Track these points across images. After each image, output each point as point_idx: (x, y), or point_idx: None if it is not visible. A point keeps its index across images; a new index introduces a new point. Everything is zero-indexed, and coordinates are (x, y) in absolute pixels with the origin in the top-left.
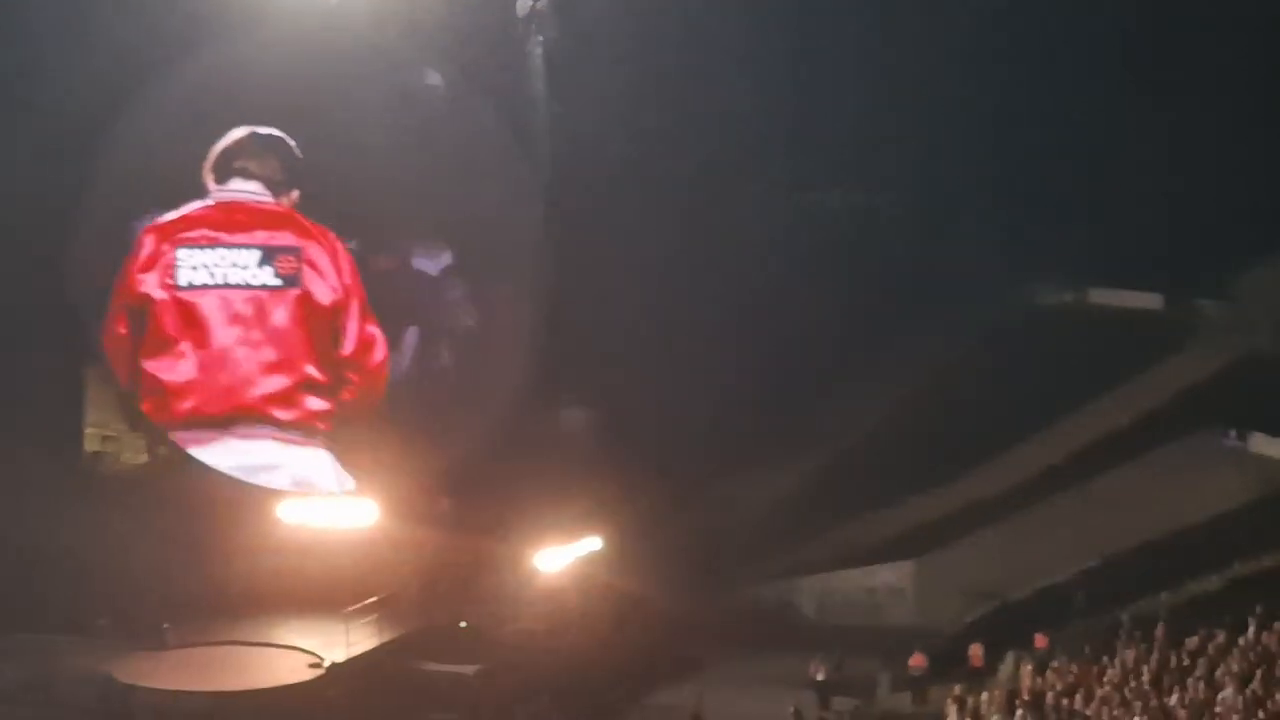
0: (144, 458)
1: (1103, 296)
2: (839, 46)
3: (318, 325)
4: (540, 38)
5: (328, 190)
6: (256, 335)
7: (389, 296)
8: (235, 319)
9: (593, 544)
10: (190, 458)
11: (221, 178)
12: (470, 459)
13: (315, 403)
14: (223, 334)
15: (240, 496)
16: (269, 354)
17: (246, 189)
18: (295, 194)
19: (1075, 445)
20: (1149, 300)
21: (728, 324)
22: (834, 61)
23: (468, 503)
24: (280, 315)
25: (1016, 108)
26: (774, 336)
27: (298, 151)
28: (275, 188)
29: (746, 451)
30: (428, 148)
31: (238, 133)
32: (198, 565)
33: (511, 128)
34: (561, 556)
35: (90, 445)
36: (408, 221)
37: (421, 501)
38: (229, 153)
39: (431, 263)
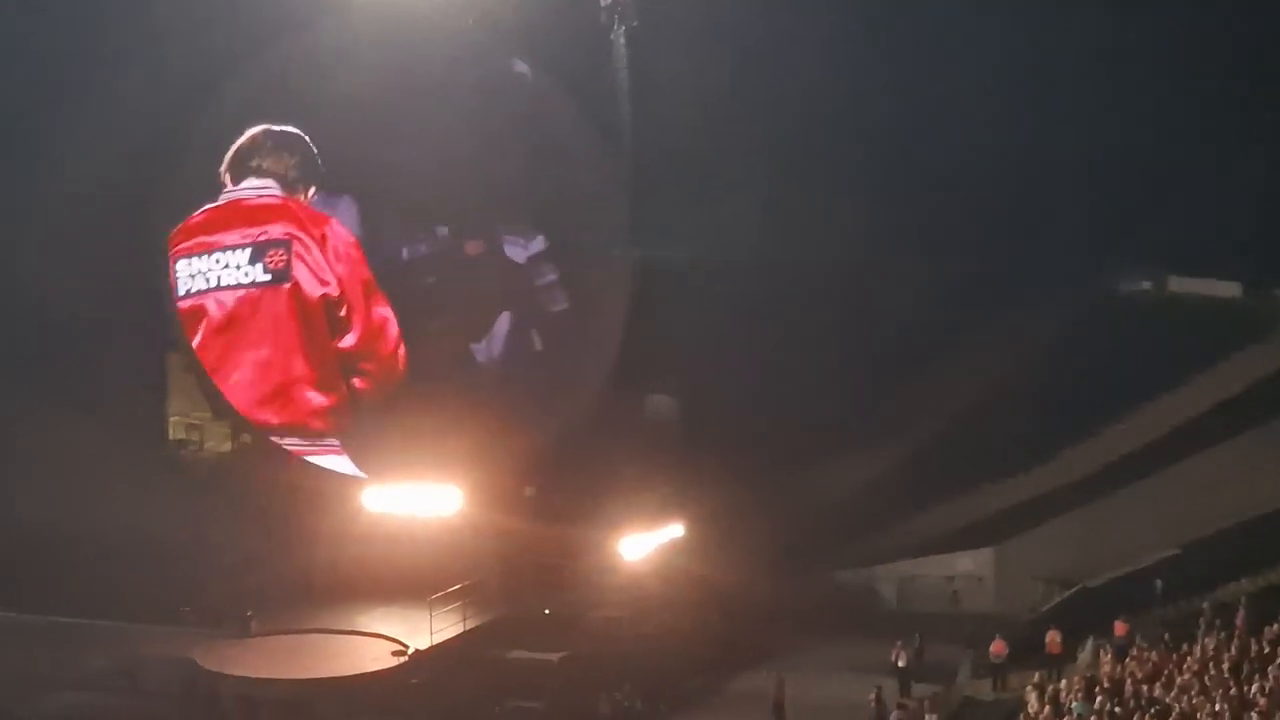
0: (227, 446)
1: (1182, 285)
2: (924, 29)
3: (311, 318)
4: (623, 26)
5: (419, 179)
6: (249, 336)
7: (479, 283)
8: (227, 323)
9: (675, 531)
10: (275, 446)
11: (237, 177)
12: (555, 446)
13: (313, 398)
14: (215, 340)
15: (324, 485)
16: (261, 354)
17: (255, 186)
18: (312, 191)
19: (1154, 433)
20: (1228, 289)
21: (809, 313)
22: (916, 44)
23: (552, 490)
24: (272, 312)
25: (1097, 96)
26: (855, 326)
27: (314, 147)
28: (290, 185)
29: (828, 440)
30: (515, 136)
31: (253, 130)
32: (281, 553)
33: (596, 116)
34: (644, 544)
35: (174, 434)
36: (497, 209)
37: (506, 489)
38: (243, 151)
39: (521, 249)
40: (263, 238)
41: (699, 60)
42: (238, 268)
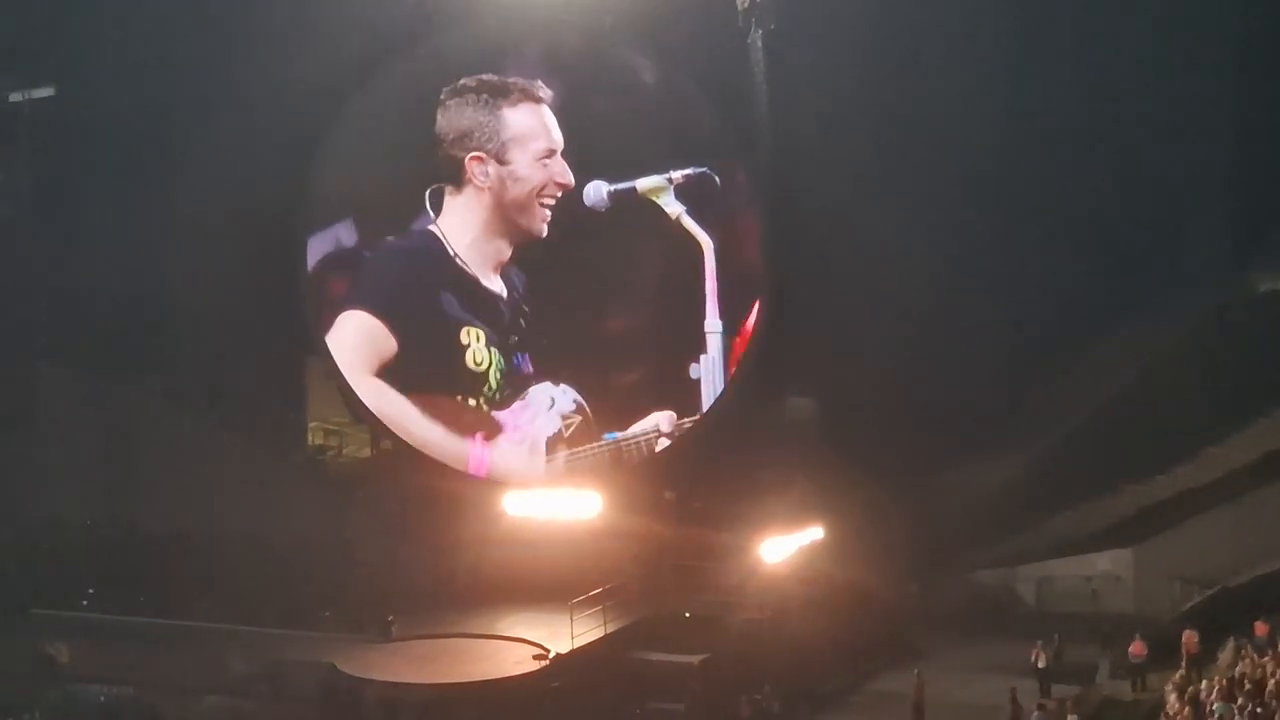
0: (367, 451)
1: None
2: (1063, 29)
3: None
4: (760, 29)
5: None
6: None
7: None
8: None
9: (815, 533)
10: (414, 451)
11: None
12: (694, 449)
13: None
14: None
15: (464, 489)
16: None
17: None
18: None
19: None
20: None
21: (948, 314)
22: (1054, 44)
23: (691, 493)
24: None
25: (1243, 90)
26: (995, 326)
27: None
28: None
29: (967, 441)
30: (649, 142)
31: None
32: (422, 558)
33: (734, 120)
34: (784, 546)
35: (313, 439)
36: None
37: (645, 493)
38: None
39: None
40: None
41: (836, 63)
42: None
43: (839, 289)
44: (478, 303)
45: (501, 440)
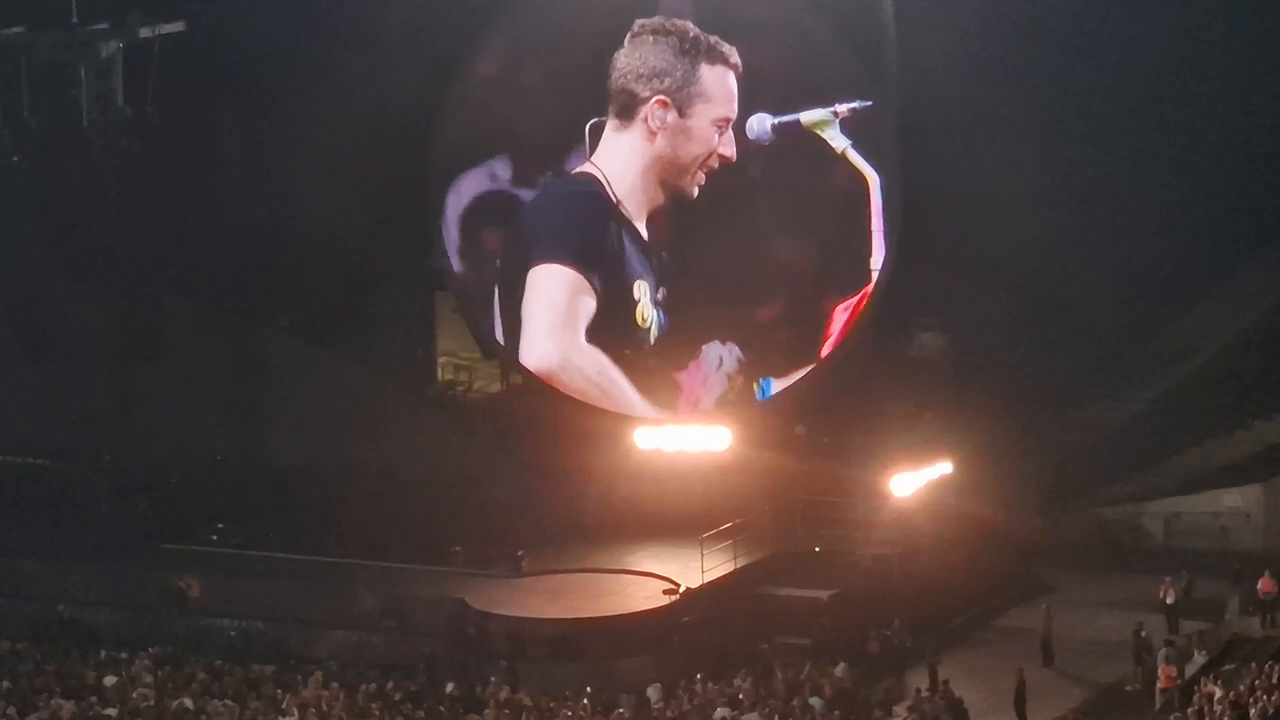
0: (497, 386)
1: None
2: None
3: None
4: None
5: None
6: None
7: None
8: None
9: (944, 468)
10: (545, 386)
11: None
12: (824, 384)
13: None
14: None
15: (594, 424)
16: None
17: None
18: None
19: None
20: None
21: (1076, 247)
22: None
23: (821, 428)
24: None
25: None
26: (1124, 260)
27: None
28: None
29: (1095, 376)
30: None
31: None
32: (552, 492)
33: (860, 51)
34: (913, 481)
35: (443, 374)
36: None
37: (776, 427)
38: None
39: None
40: None
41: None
42: None
43: (969, 222)
44: (643, 254)
45: (681, 404)
